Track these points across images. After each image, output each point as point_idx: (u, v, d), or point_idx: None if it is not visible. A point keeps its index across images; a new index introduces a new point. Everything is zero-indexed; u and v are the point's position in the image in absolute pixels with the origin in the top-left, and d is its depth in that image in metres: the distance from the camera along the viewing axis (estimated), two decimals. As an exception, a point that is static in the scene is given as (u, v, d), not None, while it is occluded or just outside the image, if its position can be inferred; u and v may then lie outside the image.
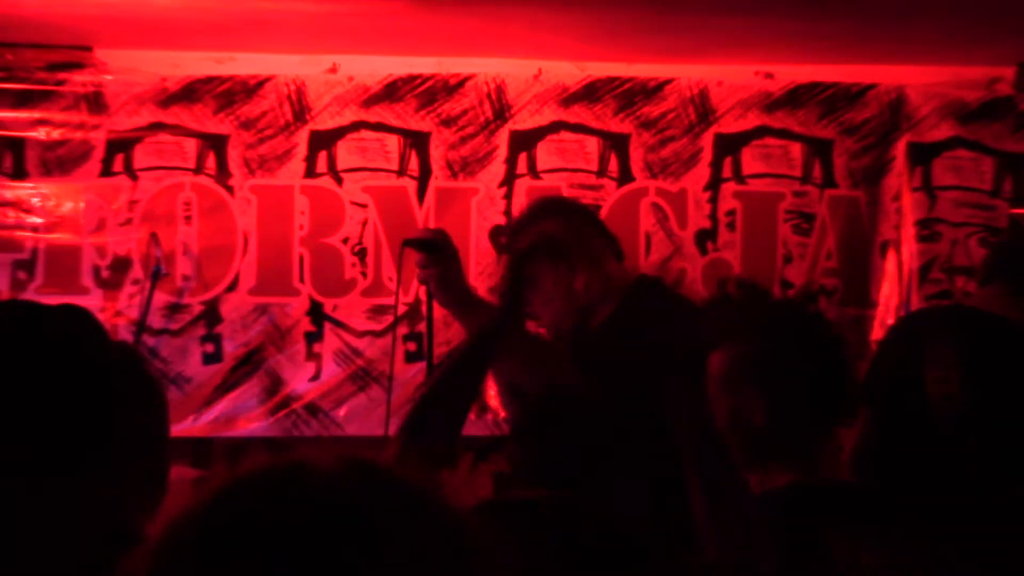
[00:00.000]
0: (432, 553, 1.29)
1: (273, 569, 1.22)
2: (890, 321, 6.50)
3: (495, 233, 6.45)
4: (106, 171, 6.60)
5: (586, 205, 5.49)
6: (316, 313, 6.65)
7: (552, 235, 4.50)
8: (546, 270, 4.50)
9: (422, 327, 6.30)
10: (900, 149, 6.66)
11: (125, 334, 6.50)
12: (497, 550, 1.35)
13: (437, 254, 4.36)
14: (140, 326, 6.44)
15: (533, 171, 6.68)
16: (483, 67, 6.70)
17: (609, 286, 4.55)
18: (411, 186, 6.68)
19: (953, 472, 3.79)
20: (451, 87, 6.68)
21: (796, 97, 6.71)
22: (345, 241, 6.63)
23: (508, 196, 6.64)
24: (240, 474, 1.32)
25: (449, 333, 5.78)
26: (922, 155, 6.66)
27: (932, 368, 4.12)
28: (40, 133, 6.59)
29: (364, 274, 6.61)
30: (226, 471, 1.32)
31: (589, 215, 5.03)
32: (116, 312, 6.56)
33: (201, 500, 1.30)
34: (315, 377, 6.64)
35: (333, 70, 6.67)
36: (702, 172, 6.70)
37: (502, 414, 5.50)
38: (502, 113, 6.68)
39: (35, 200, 6.60)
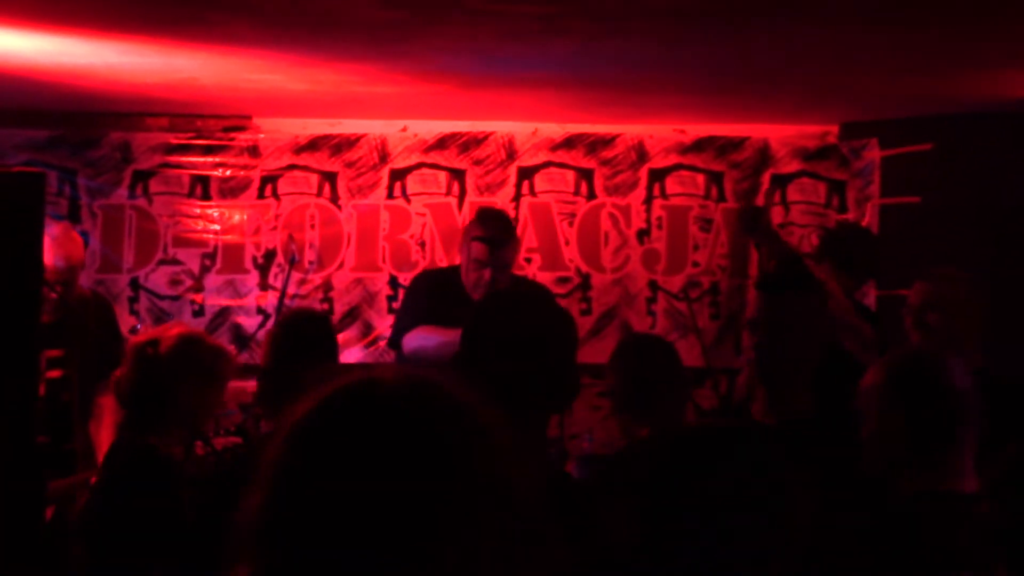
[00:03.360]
0: (455, 441, 1.32)
1: (352, 452, 1.28)
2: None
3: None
4: (260, 195, 7.22)
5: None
6: (393, 283, 7.15)
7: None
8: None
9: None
10: (767, 177, 7.17)
11: (272, 300, 7.02)
12: (512, 447, 1.36)
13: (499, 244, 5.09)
14: (282, 294, 6.87)
15: (532, 192, 7.20)
16: (500, 127, 7.20)
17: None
18: (454, 202, 7.19)
19: None
20: (479, 140, 7.21)
21: (700, 145, 7.19)
22: (411, 237, 7.19)
23: (516, 208, 7.15)
24: (338, 385, 1.36)
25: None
26: (780, 181, 7.15)
27: None
28: (218, 172, 7.19)
29: (423, 257, 7.14)
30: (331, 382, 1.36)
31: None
32: (266, 286, 7.15)
33: (313, 400, 1.35)
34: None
35: (404, 129, 7.21)
36: (640, 192, 7.19)
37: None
38: (512, 156, 7.22)
39: (215, 214, 7.20)
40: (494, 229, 5.28)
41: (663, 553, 1.89)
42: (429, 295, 5.20)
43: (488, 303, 3.05)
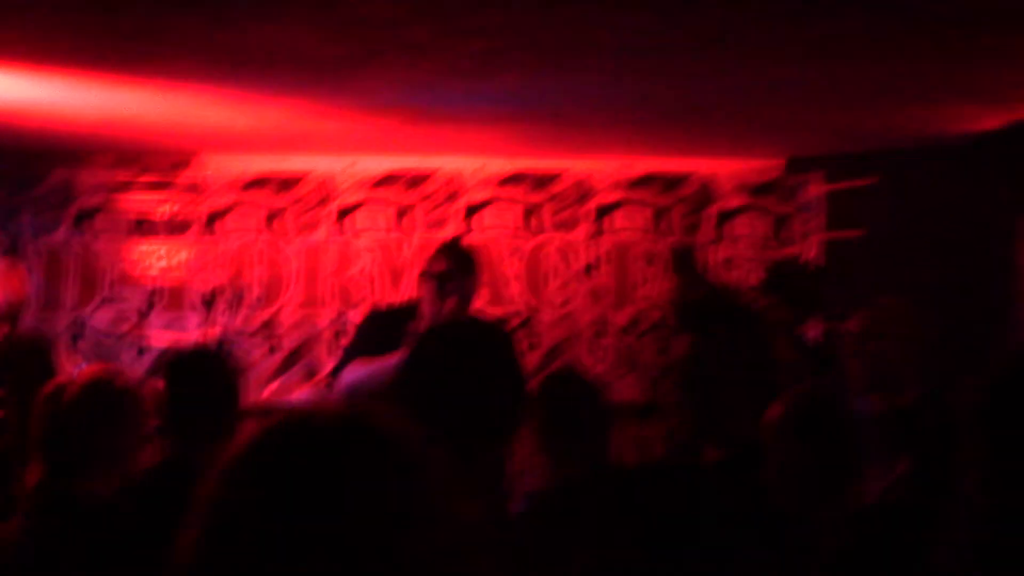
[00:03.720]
0: (391, 474, 1.31)
1: (287, 486, 1.27)
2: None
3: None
4: (206, 232, 7.20)
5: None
6: (340, 320, 7.12)
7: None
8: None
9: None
10: (712, 212, 7.25)
11: (217, 338, 6.98)
12: (450, 481, 1.35)
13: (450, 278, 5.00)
14: (226, 332, 6.96)
15: (479, 228, 7.22)
16: (447, 163, 7.21)
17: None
18: (401, 238, 7.19)
19: None
20: (425, 176, 7.23)
21: (646, 180, 7.27)
22: (360, 273, 7.15)
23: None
24: (273, 420, 1.35)
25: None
26: (725, 216, 7.24)
27: None
28: (164, 209, 7.18)
29: (371, 293, 7.12)
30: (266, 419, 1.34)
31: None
32: (211, 324, 7.11)
33: (248, 435, 1.34)
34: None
35: (352, 164, 7.25)
36: (587, 227, 7.24)
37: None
38: (459, 192, 7.24)
39: (160, 252, 7.17)
40: (443, 263, 5.25)
41: None
42: (376, 331, 5.14)
43: (428, 334, 2.98)
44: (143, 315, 7.20)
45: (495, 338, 2.94)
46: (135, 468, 3.52)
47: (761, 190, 7.31)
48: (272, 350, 7.18)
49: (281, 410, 1.39)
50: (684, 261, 5.12)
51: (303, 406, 1.39)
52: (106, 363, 4.40)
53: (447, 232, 7.17)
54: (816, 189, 7.14)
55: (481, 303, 7.06)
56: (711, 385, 4.15)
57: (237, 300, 7.07)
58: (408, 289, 7.08)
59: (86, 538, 3.30)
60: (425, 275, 5.18)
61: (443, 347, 2.77)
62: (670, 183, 7.33)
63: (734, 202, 7.33)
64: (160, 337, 7.09)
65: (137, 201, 7.22)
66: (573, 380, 3.87)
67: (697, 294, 5.16)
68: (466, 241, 7.15)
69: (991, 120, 5.95)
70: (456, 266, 5.21)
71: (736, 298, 5.30)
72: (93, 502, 3.40)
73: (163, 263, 7.22)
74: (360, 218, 7.28)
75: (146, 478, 3.40)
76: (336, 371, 5.31)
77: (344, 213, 7.28)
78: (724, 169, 7.32)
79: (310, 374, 7.18)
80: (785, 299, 5.43)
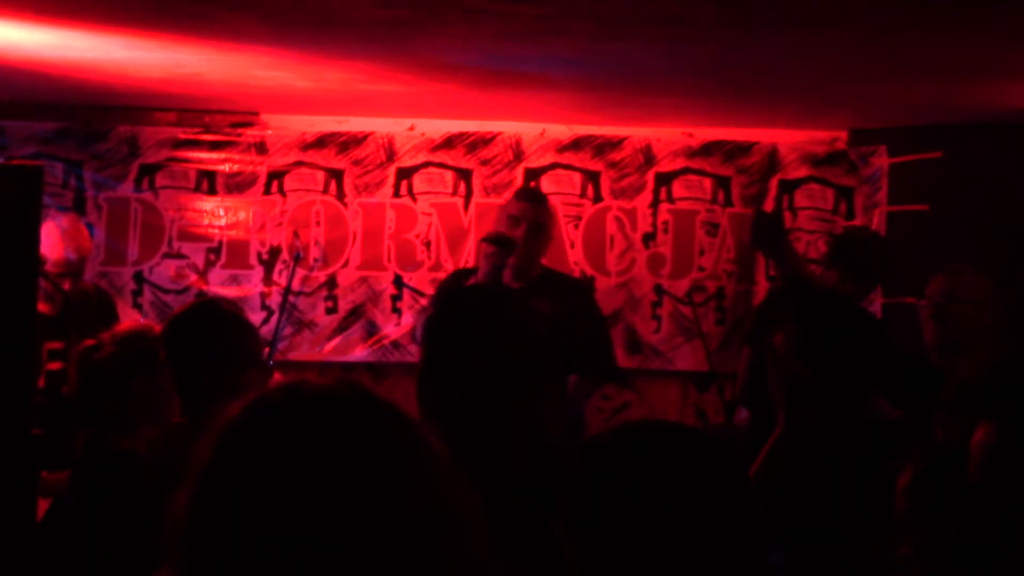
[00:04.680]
0: (385, 446, 1.31)
1: (281, 457, 1.28)
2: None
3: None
4: (267, 191, 7.22)
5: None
6: (398, 282, 7.18)
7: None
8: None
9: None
10: (774, 183, 7.19)
11: (276, 296, 7.05)
12: (433, 442, 1.36)
13: (508, 248, 5.13)
14: (287, 290, 6.89)
15: (539, 194, 7.03)
16: (507, 127, 7.19)
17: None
18: (460, 202, 7.20)
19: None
20: (487, 140, 7.21)
21: (708, 149, 7.19)
22: (417, 236, 7.20)
23: None
24: (268, 390, 1.37)
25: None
26: (788, 187, 7.19)
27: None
28: (225, 167, 7.21)
29: (429, 257, 7.15)
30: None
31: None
32: (271, 282, 7.15)
33: (243, 404, 1.35)
34: (397, 324, 7.14)
35: (411, 128, 7.23)
36: (647, 196, 7.19)
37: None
38: (519, 157, 7.21)
39: (221, 209, 7.23)
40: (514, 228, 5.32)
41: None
42: (442, 293, 5.21)
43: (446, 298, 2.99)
44: (204, 272, 7.25)
45: (507, 299, 2.92)
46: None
47: (824, 161, 7.22)
48: (330, 311, 7.21)
49: (284, 381, 1.40)
50: (767, 230, 4.98)
51: (300, 378, 1.39)
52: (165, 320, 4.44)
53: (508, 198, 7.09)
54: (880, 161, 7.07)
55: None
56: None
57: (297, 259, 7.04)
58: (467, 253, 7.12)
59: (123, 492, 3.34)
60: (486, 240, 5.20)
61: (455, 309, 2.77)
62: (732, 152, 7.25)
63: (797, 173, 7.24)
64: (220, 293, 7.15)
65: (199, 158, 7.27)
66: None
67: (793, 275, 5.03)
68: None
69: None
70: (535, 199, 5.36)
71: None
72: (133, 456, 3.46)
73: (224, 220, 7.27)
74: (419, 181, 7.29)
75: (167, 437, 3.41)
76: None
77: (404, 175, 7.28)
78: (787, 140, 7.22)
79: (368, 335, 7.21)
80: (849, 271, 5.39)
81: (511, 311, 2.67)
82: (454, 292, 4.73)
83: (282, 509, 1.26)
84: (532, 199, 5.52)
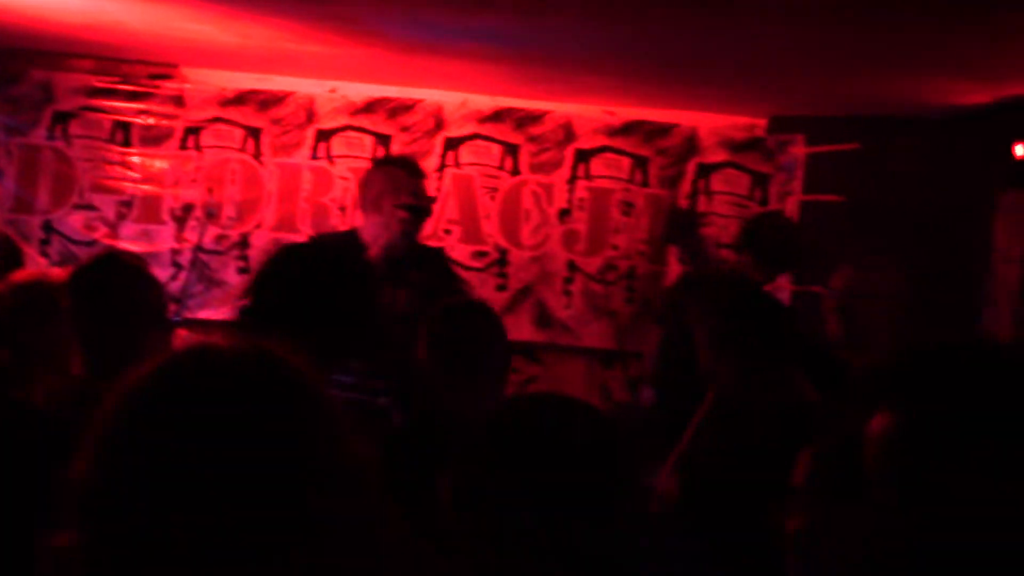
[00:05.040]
0: (290, 405, 1.31)
1: (186, 418, 1.27)
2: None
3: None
4: (183, 146, 7.14)
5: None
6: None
7: None
8: None
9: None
10: (692, 166, 7.19)
11: (187, 254, 6.93)
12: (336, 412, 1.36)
13: (422, 217, 5.05)
14: (197, 248, 6.81)
15: (456, 164, 7.16)
16: (429, 95, 7.14)
17: None
18: None
19: None
20: (408, 106, 7.15)
21: (628, 128, 7.19)
22: (332, 200, 7.14)
23: (440, 179, 7.11)
24: (171, 353, 1.35)
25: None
26: (705, 171, 7.18)
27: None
28: (141, 119, 7.11)
29: (344, 222, 6.92)
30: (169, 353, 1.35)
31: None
32: (182, 239, 7.07)
33: (146, 368, 1.33)
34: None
35: (333, 91, 7.18)
36: (565, 172, 7.18)
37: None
38: (440, 125, 7.16)
39: (135, 161, 7.11)
40: (423, 197, 5.19)
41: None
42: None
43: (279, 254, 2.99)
44: (114, 224, 7.16)
45: (341, 262, 2.92)
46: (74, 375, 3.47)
47: (743, 147, 7.24)
48: (242, 271, 7.11)
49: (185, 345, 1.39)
50: (687, 228, 4.96)
51: (206, 342, 1.38)
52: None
53: (425, 167, 6.99)
54: (797, 150, 7.11)
55: (454, 239, 7.10)
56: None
57: (210, 217, 6.97)
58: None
59: (17, 444, 3.25)
60: (401, 207, 5.11)
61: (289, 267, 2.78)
62: (652, 133, 7.26)
63: (715, 157, 7.25)
64: (130, 248, 7.03)
65: (115, 108, 7.16)
66: (472, 312, 3.83)
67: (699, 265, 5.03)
68: (445, 176, 7.14)
69: (976, 95, 5.93)
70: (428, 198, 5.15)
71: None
72: (28, 407, 3.37)
73: (138, 174, 7.17)
74: (338, 144, 7.23)
75: (65, 390, 3.31)
76: None
77: (323, 138, 7.22)
78: (707, 123, 7.23)
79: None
80: (759, 256, 5.41)
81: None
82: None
83: (187, 472, 1.25)
84: (421, 174, 5.31)
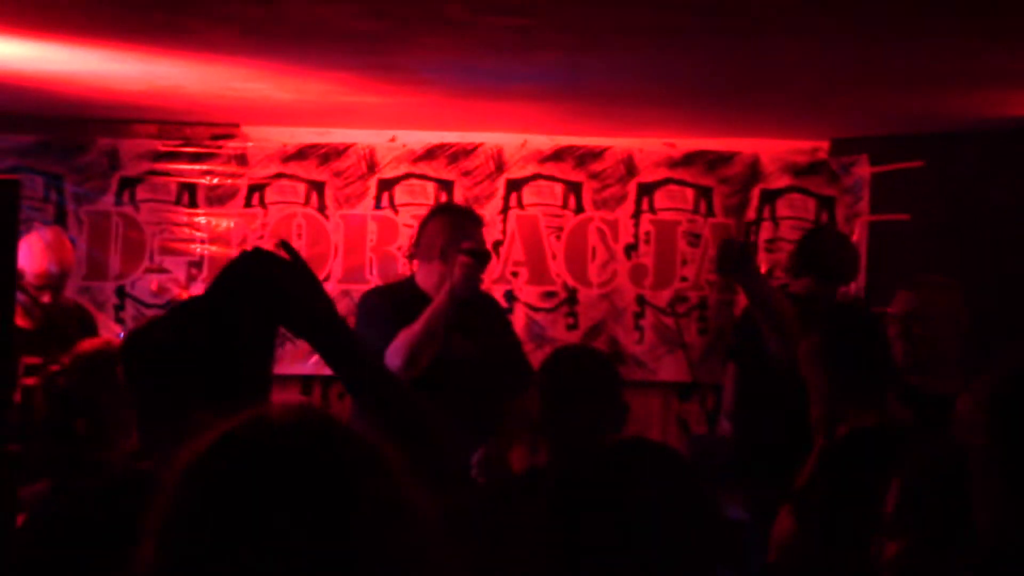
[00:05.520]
0: (352, 474, 1.27)
1: (247, 495, 1.24)
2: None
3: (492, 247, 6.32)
4: (248, 204, 7.19)
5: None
6: None
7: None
8: None
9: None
10: (756, 193, 7.16)
11: None
12: (412, 477, 1.31)
13: (484, 261, 4.91)
14: None
15: (520, 205, 7.17)
16: (489, 138, 7.15)
17: None
18: None
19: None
20: (468, 151, 7.18)
21: (690, 159, 7.17)
22: (399, 249, 7.14)
23: (504, 221, 7.16)
24: (225, 427, 1.31)
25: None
26: (770, 197, 7.16)
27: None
28: (206, 179, 7.17)
29: (410, 269, 6.50)
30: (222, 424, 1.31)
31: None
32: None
33: (201, 444, 1.30)
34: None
35: (392, 140, 7.21)
36: (629, 206, 7.16)
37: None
38: (501, 168, 7.18)
39: (202, 221, 7.20)
40: (482, 243, 5.13)
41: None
42: (394, 310, 4.96)
43: None
44: (186, 286, 7.17)
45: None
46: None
47: (806, 171, 7.20)
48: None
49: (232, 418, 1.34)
50: (739, 263, 4.85)
51: (251, 411, 1.34)
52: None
53: (489, 209, 7.11)
54: (861, 171, 7.04)
55: (522, 280, 7.10)
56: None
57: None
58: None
59: (96, 509, 3.24)
60: (467, 252, 5.05)
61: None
62: (714, 163, 7.23)
63: (779, 183, 7.21)
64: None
65: (180, 171, 7.23)
66: (577, 354, 3.77)
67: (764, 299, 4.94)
68: (509, 218, 7.13)
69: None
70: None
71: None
72: (105, 474, 3.38)
73: (205, 234, 7.23)
74: (401, 193, 7.26)
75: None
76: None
77: (385, 187, 7.25)
78: (769, 149, 7.19)
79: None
80: (821, 274, 5.32)
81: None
82: None
83: (257, 550, 1.23)
84: (479, 221, 5.24)
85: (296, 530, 1.23)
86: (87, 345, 3.87)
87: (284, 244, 2.34)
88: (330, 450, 1.29)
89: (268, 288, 2.17)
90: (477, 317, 4.90)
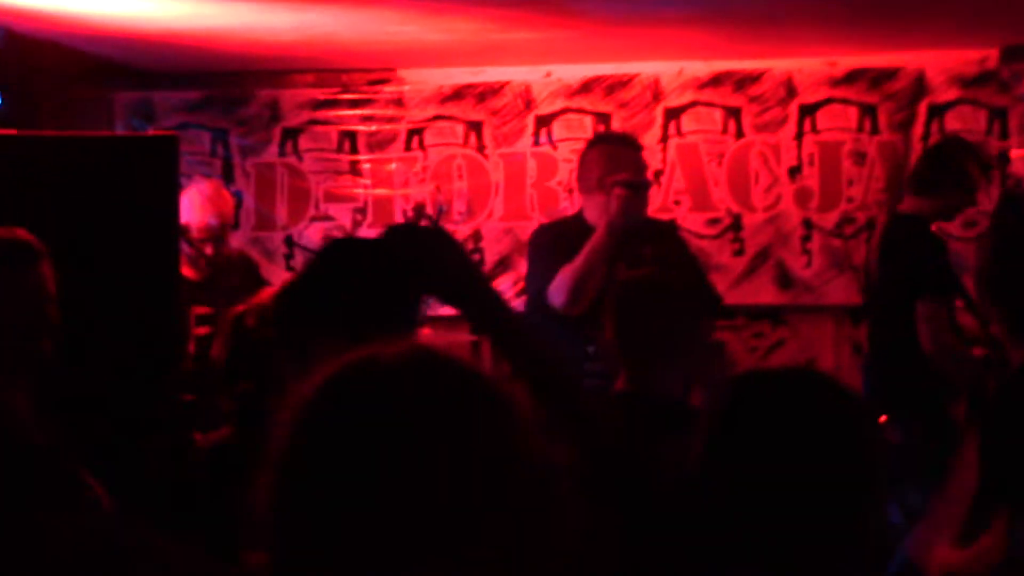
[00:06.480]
0: (469, 414, 1.26)
1: (362, 431, 1.23)
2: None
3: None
4: (408, 147, 7.20)
5: None
6: None
7: None
8: None
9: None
10: (923, 108, 6.90)
11: None
12: (526, 412, 1.29)
13: (643, 192, 4.88)
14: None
15: (679, 133, 7.04)
16: (645, 68, 7.03)
17: None
18: None
19: None
20: (624, 82, 7.05)
21: (852, 77, 6.93)
22: (559, 184, 7.11)
23: (664, 150, 7.02)
24: (339, 364, 1.30)
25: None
26: (937, 111, 6.88)
27: None
28: (366, 125, 7.21)
29: (572, 204, 6.59)
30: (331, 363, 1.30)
31: None
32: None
33: (315, 381, 1.29)
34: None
35: (548, 75, 7.15)
36: (791, 129, 6.97)
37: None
38: (658, 97, 7.05)
39: (365, 167, 7.23)
40: (641, 171, 5.04)
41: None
42: (561, 245, 4.91)
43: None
44: (352, 232, 7.21)
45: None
46: None
47: (975, 81, 6.92)
48: (478, 264, 7.05)
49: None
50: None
51: (370, 353, 1.32)
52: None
53: (648, 139, 6.94)
54: (1035, 79, 6.68)
55: (685, 209, 7.01)
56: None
57: (440, 213, 7.04)
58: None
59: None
60: (622, 183, 4.99)
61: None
62: (877, 79, 6.99)
63: (946, 96, 6.94)
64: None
65: (340, 118, 7.27)
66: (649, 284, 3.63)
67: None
68: (668, 147, 7.01)
69: None
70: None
71: None
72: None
73: (368, 179, 7.27)
74: (559, 128, 7.19)
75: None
76: (538, 297, 5.05)
77: (543, 123, 7.20)
78: (934, 62, 6.94)
79: (515, 285, 7.03)
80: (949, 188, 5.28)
81: None
82: None
83: (360, 490, 1.23)
84: (638, 147, 5.16)
85: (403, 470, 1.22)
86: (264, 297, 3.89)
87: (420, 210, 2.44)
88: (440, 391, 1.27)
89: (419, 265, 2.23)
90: (647, 246, 4.80)
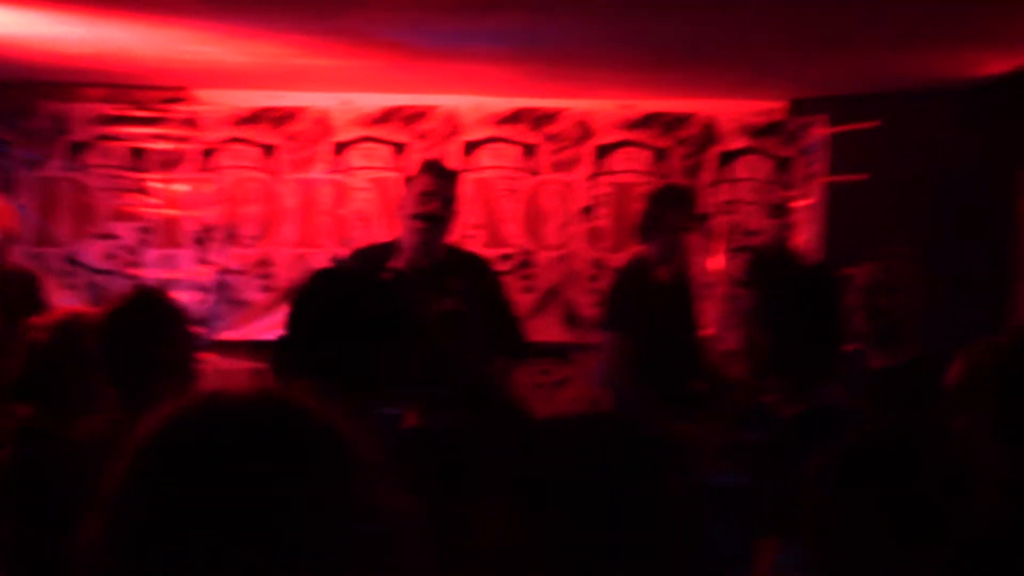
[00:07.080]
0: (308, 454, 1.22)
1: (199, 469, 1.19)
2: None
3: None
4: (200, 168, 7.07)
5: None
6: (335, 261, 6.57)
7: None
8: None
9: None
10: (713, 154, 7.10)
11: (211, 276, 6.95)
12: (370, 457, 1.26)
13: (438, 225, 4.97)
14: (221, 270, 6.85)
15: (476, 167, 7.04)
16: (444, 100, 7.06)
17: None
18: (401, 178, 6.52)
19: None
20: (422, 113, 7.08)
21: (646, 121, 7.10)
22: (354, 213, 7.03)
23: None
24: (181, 403, 1.26)
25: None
26: (727, 158, 7.09)
27: None
28: (156, 144, 7.04)
29: (365, 233, 6.79)
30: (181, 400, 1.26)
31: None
32: (204, 262, 7.00)
33: (156, 419, 1.24)
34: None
35: (346, 103, 7.08)
36: (585, 169, 7.10)
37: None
38: (456, 130, 7.09)
39: (154, 186, 7.04)
40: (447, 202, 5.17)
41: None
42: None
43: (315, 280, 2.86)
44: (136, 252, 7.08)
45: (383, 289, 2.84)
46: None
47: (763, 132, 7.14)
48: (265, 289, 7.06)
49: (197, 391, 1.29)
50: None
51: (215, 391, 1.28)
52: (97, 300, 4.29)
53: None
54: (819, 132, 6.98)
55: (478, 244, 7.02)
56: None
57: (231, 237, 6.94)
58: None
59: (63, 476, 3.20)
60: (418, 216, 5.03)
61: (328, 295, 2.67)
62: (671, 124, 7.17)
63: (736, 144, 7.15)
64: (153, 274, 6.98)
65: (130, 135, 7.09)
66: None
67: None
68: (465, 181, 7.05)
69: (996, 65, 5.81)
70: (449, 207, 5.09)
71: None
72: (72, 441, 3.31)
73: (157, 199, 7.10)
74: (355, 156, 7.15)
75: (105, 430, 3.25)
76: None
77: (340, 150, 7.15)
78: (726, 110, 7.13)
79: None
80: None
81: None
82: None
83: (209, 522, 1.18)
84: (445, 175, 5.28)
85: (238, 514, 1.18)
86: (54, 316, 3.76)
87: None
88: (280, 435, 1.23)
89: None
90: (462, 278, 4.85)
